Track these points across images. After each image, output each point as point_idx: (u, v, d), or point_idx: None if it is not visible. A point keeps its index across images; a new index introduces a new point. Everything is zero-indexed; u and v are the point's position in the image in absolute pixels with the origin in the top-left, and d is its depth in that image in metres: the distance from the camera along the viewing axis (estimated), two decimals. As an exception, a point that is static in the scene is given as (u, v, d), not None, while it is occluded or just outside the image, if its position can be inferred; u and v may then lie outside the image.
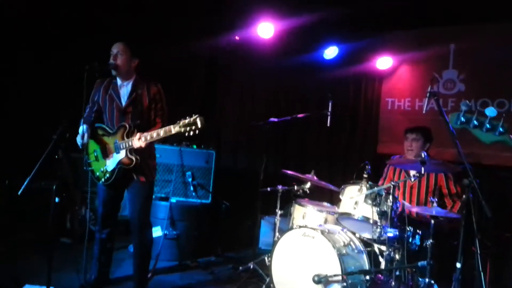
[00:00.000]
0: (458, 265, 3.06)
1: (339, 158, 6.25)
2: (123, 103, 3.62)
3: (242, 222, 6.11)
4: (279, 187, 4.61)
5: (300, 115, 4.93)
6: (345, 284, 3.33)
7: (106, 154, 3.61)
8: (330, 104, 4.65)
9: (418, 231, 3.67)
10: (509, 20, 5.04)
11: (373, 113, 6.10)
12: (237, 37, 6.54)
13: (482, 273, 2.88)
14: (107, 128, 3.63)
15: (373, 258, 3.72)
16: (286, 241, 3.76)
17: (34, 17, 5.57)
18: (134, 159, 3.43)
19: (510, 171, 4.91)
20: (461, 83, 5.46)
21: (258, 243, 5.51)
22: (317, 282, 3.35)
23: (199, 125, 3.04)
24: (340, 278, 3.34)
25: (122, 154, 3.47)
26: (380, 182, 4.58)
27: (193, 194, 5.16)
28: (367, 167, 3.87)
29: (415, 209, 3.89)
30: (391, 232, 3.52)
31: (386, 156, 4.72)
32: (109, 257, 3.86)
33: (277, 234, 4.48)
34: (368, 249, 3.80)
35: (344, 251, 3.51)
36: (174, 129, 3.14)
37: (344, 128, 6.22)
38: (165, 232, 4.82)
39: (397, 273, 3.53)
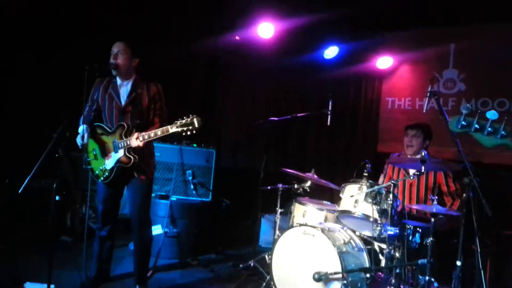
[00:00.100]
0: (458, 263, 3.07)
1: (339, 156, 6.27)
2: (123, 103, 3.63)
3: (242, 220, 6.13)
4: (280, 185, 4.62)
5: (300, 114, 4.94)
6: (345, 281, 3.34)
7: (105, 153, 3.62)
8: (330, 103, 4.66)
9: (418, 228, 3.67)
10: (509, 20, 5.06)
11: (373, 112, 6.12)
12: (237, 37, 6.55)
13: (482, 271, 2.89)
14: (106, 127, 3.63)
15: (373, 256, 3.73)
16: (287, 239, 3.76)
17: (34, 17, 5.57)
18: (132, 158, 3.45)
19: (510, 170, 4.92)
20: (461, 83, 5.47)
21: (259, 241, 5.52)
22: (317, 279, 3.35)
23: (196, 125, 3.10)
24: (340, 276, 3.34)
25: (120, 153, 3.49)
26: (380, 179, 4.59)
27: (194, 192, 5.17)
28: (367, 165, 3.88)
29: (415, 207, 3.90)
30: (391, 230, 3.53)
31: (386, 155, 4.73)
32: (109, 255, 3.87)
33: (277, 232, 4.48)
34: (368, 247, 3.80)
35: (344, 249, 3.52)
36: (171, 129, 3.19)
37: (345, 127, 6.24)
38: (166, 230, 4.83)
39: (397, 271, 3.53)
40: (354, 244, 3.71)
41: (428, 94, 3.33)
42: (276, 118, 4.85)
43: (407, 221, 3.71)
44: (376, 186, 3.69)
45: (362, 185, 3.76)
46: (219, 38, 6.51)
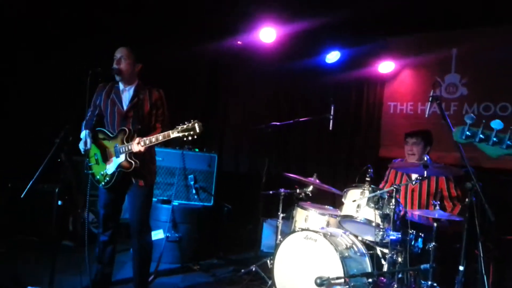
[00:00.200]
0: (461, 268, 3.06)
1: (341, 161, 6.27)
2: (125, 108, 3.63)
3: (244, 225, 6.12)
4: (281, 190, 4.61)
5: (302, 119, 4.94)
6: (347, 287, 3.34)
7: (106, 157, 3.62)
8: (332, 108, 4.66)
9: (420, 234, 3.66)
10: (511, 24, 5.06)
11: (375, 117, 6.11)
12: (239, 42, 6.56)
13: (485, 276, 2.88)
14: (107, 132, 3.64)
15: (375, 261, 3.72)
16: (288, 244, 3.76)
17: (34, 17, 5.58)
18: (133, 163, 3.44)
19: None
20: (463, 87, 5.47)
21: (260, 246, 5.51)
22: (320, 284, 3.35)
23: (197, 130, 3.11)
24: (342, 281, 3.34)
25: (121, 158, 3.48)
26: (381, 185, 4.59)
27: (195, 197, 5.17)
28: (369, 170, 3.88)
29: (417, 212, 3.89)
30: (393, 235, 3.52)
31: (388, 159, 4.72)
32: (111, 260, 3.85)
33: (279, 237, 4.48)
34: (371, 252, 3.79)
35: (346, 254, 3.51)
36: (172, 134, 3.20)
37: (346, 132, 6.24)
38: (167, 234, 4.83)
39: (400, 276, 3.53)
40: (356, 249, 3.70)
41: (430, 98, 3.34)
42: (278, 123, 4.85)
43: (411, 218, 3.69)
44: (378, 191, 3.68)
45: (364, 190, 3.75)
46: (221, 42, 6.52)
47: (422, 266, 3.27)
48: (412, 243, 3.63)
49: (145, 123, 3.61)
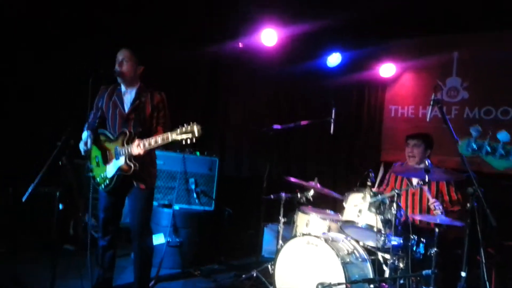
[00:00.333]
0: (463, 274, 3.05)
1: (342, 165, 6.26)
2: (126, 110, 3.62)
3: (245, 230, 6.11)
4: (282, 194, 4.60)
5: (303, 122, 4.93)
6: (349, 292, 3.33)
7: (106, 160, 3.61)
8: (333, 111, 4.65)
9: (422, 239, 3.65)
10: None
11: (377, 120, 6.11)
12: (240, 44, 6.56)
13: (487, 283, 2.87)
14: (109, 134, 3.63)
15: (377, 266, 3.71)
16: (290, 249, 3.75)
17: (34, 17, 5.58)
18: (132, 165, 3.42)
19: (513, 180, 4.89)
20: (464, 91, 5.46)
21: (261, 251, 5.48)
22: (321, 290, 3.34)
23: (196, 134, 3.09)
24: (344, 286, 3.32)
25: (121, 160, 3.47)
26: (382, 188, 4.58)
27: (196, 201, 5.15)
28: (370, 174, 3.87)
29: (418, 217, 3.88)
30: (395, 241, 3.51)
31: (390, 163, 4.71)
32: (111, 264, 3.84)
33: (280, 242, 4.47)
34: (372, 257, 3.78)
35: (348, 260, 3.50)
36: (171, 136, 3.18)
37: (348, 135, 6.23)
38: (168, 239, 4.81)
39: (401, 282, 3.52)
40: (358, 255, 3.69)
41: (431, 102, 3.32)
42: (279, 126, 4.84)
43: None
44: (380, 196, 3.67)
45: (365, 194, 3.74)
46: (221, 43, 6.52)
47: (424, 272, 3.26)
48: (414, 248, 3.63)
49: (147, 125, 3.61)
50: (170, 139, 3.19)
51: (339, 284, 3.32)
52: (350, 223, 3.77)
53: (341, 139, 6.15)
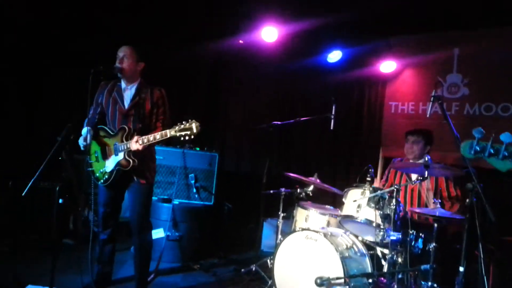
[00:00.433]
0: (461, 268, 3.06)
1: (342, 161, 6.26)
2: (126, 106, 3.64)
3: (244, 225, 6.12)
4: (282, 189, 4.61)
5: (303, 118, 4.94)
6: (347, 287, 3.33)
7: (106, 155, 3.64)
8: (333, 107, 4.65)
9: (420, 234, 3.66)
10: (512, 24, 5.05)
11: (377, 117, 6.10)
12: (241, 41, 6.55)
13: (485, 277, 2.87)
14: (108, 130, 3.66)
15: (375, 261, 3.72)
16: (289, 243, 3.76)
17: (34, 17, 5.57)
18: (131, 161, 3.46)
19: (512, 175, 4.88)
20: (465, 88, 5.45)
21: (261, 245, 5.51)
22: (320, 284, 3.34)
23: (195, 130, 3.13)
24: (342, 281, 3.33)
25: (120, 156, 3.50)
26: (381, 184, 4.59)
27: (196, 196, 5.17)
28: (370, 170, 3.88)
29: (417, 210, 3.89)
30: (394, 235, 3.52)
31: (390, 159, 4.72)
32: (111, 258, 3.87)
33: (279, 236, 4.48)
34: (371, 252, 3.79)
35: (346, 254, 3.51)
36: (170, 133, 3.22)
37: (348, 132, 6.23)
38: (168, 233, 4.83)
39: (400, 276, 3.53)
40: (356, 249, 3.70)
41: (431, 98, 3.32)
42: (279, 122, 4.84)
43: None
44: (379, 191, 3.68)
45: (365, 189, 3.75)
46: (222, 41, 6.51)
47: (422, 267, 3.26)
48: (413, 243, 3.63)
49: (146, 122, 3.63)
50: (168, 136, 3.24)
51: (337, 278, 3.32)
52: (349, 218, 3.78)
53: (341, 135, 6.15)
